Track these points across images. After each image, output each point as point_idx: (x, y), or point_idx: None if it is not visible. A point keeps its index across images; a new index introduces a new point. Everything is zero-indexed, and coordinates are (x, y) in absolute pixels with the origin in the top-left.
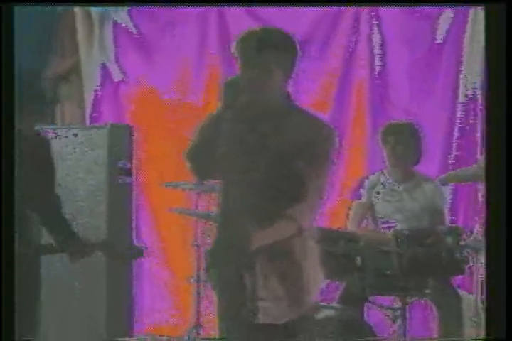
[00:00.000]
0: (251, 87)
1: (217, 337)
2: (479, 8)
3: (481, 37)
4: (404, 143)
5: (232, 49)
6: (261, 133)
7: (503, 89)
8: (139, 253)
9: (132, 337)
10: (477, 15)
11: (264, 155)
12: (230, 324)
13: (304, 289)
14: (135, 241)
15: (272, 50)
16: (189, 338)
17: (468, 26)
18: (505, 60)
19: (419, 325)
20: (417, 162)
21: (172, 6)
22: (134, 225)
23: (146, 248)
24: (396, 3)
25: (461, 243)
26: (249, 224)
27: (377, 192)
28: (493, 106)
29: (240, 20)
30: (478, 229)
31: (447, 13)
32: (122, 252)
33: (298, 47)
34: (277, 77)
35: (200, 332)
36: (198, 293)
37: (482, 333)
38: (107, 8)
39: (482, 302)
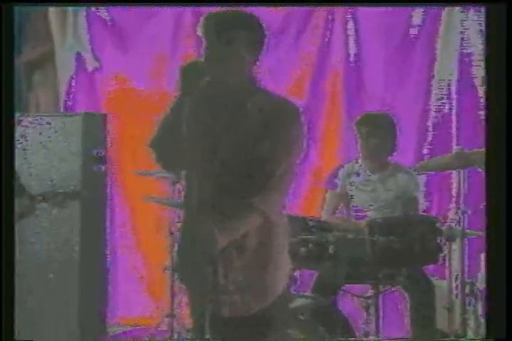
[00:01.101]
0: (215, 68)
1: (190, 328)
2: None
3: (455, 30)
4: (377, 134)
5: (199, 29)
6: (224, 117)
7: (503, 89)
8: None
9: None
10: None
11: (229, 139)
12: (199, 319)
13: (270, 280)
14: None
15: (239, 30)
16: None
17: (443, 19)
18: (505, 60)
19: (392, 313)
20: (392, 152)
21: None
22: (108, 213)
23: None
24: (397, 2)
25: (435, 231)
26: (214, 222)
27: (352, 182)
28: (493, 105)
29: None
30: (452, 218)
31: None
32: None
33: (265, 28)
34: (243, 57)
35: (175, 322)
36: (173, 283)
37: (455, 320)
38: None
39: (456, 289)
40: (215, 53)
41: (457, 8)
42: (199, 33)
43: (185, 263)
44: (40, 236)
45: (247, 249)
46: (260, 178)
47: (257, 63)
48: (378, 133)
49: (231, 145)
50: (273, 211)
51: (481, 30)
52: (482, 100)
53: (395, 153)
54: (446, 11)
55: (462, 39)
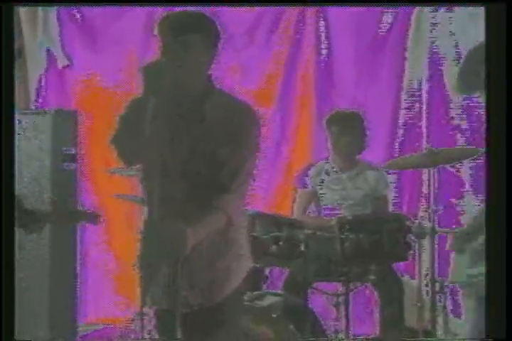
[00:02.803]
0: (174, 70)
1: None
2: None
3: (425, 29)
4: (348, 132)
5: (155, 31)
6: (184, 119)
7: (503, 89)
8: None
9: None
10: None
11: (189, 142)
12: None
13: (224, 278)
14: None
15: (195, 33)
16: None
17: (413, 19)
18: (505, 60)
19: (362, 311)
20: (362, 150)
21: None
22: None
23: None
24: (397, 2)
25: (405, 229)
26: (180, 227)
27: (322, 180)
28: (494, 106)
29: (187, 7)
30: (422, 216)
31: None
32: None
33: (218, 28)
34: (201, 60)
35: (145, 321)
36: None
37: (425, 317)
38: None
39: (427, 286)
40: (172, 56)
41: (427, 8)
42: (156, 33)
43: (152, 264)
44: None
45: (208, 249)
46: (223, 181)
47: (213, 65)
48: (349, 130)
49: (191, 147)
50: (235, 213)
51: (450, 30)
52: (450, 98)
53: (364, 151)
54: (416, 11)
55: (432, 38)
